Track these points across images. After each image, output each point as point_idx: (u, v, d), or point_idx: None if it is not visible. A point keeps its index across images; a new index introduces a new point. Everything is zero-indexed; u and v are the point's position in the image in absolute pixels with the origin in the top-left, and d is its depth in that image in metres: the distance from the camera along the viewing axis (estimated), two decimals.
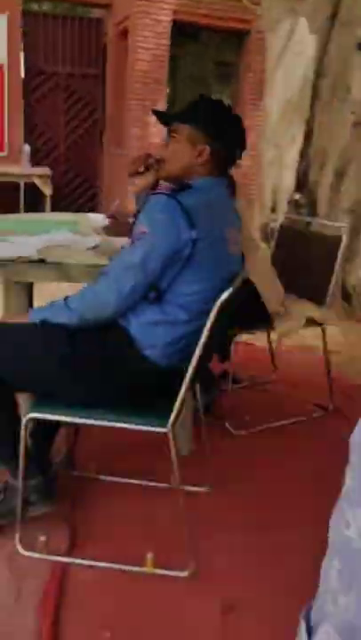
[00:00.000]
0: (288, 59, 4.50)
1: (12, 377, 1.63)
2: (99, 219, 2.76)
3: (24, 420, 1.58)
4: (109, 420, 1.57)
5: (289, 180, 4.71)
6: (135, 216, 1.86)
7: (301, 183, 4.67)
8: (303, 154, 4.63)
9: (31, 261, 1.91)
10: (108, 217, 2.75)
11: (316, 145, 4.56)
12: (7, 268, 1.89)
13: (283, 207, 4.72)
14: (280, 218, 4.64)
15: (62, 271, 1.90)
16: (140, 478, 2.04)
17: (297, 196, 4.66)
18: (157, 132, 6.74)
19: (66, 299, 1.60)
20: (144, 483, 2.03)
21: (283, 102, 4.58)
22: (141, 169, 1.78)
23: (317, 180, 4.59)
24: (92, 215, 2.88)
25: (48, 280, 1.93)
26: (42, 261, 1.91)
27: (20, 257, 1.92)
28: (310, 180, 4.66)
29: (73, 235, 2.43)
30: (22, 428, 1.58)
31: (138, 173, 1.79)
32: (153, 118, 6.99)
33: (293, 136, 4.62)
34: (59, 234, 2.46)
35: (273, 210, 4.82)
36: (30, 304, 2.21)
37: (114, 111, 7.77)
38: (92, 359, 1.57)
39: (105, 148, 8.26)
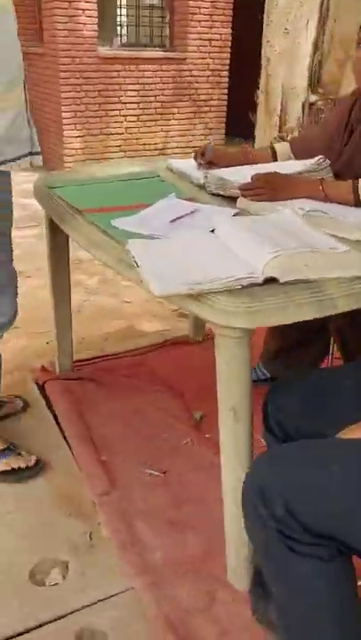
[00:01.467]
0: None
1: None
2: (194, 168, 1.79)
3: None
4: None
5: (301, 78, 3.82)
6: None
7: (316, 83, 3.80)
8: (317, 44, 3.74)
9: (252, 285, 1.03)
10: (204, 163, 1.80)
11: (334, 31, 3.67)
12: (230, 303, 0.99)
13: (296, 113, 3.86)
14: (295, 129, 3.81)
15: (321, 298, 1.04)
16: None
17: (313, 99, 3.82)
18: (88, 22, 5.37)
19: None
20: None
21: None
22: None
23: (336, 80, 3.76)
24: (177, 162, 1.89)
25: (299, 318, 1.05)
26: (270, 281, 1.03)
27: (238, 279, 1.02)
28: (325, 79, 3.81)
29: (184, 202, 1.51)
30: None
31: None
32: (83, 4, 5.45)
33: (307, 20, 3.69)
34: (165, 203, 1.52)
35: (281, 119, 3.95)
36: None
37: None
38: None
39: None
